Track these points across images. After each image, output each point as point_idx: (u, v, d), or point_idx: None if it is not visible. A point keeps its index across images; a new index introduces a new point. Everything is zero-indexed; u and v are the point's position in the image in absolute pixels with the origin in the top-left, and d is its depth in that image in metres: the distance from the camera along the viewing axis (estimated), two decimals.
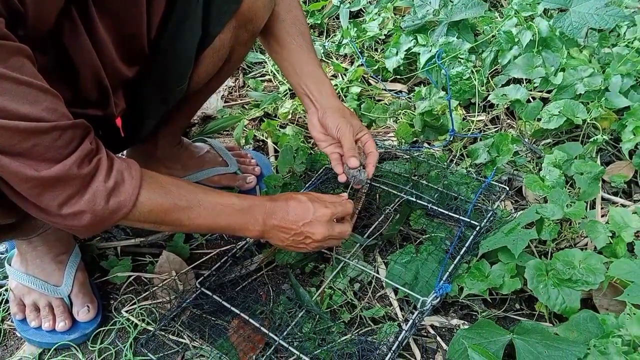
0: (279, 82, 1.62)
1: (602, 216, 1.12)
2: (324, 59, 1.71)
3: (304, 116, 1.47)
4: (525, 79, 1.33)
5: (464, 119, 1.37)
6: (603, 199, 1.16)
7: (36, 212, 0.65)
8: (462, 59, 1.38)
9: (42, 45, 0.67)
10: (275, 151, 1.37)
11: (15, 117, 0.57)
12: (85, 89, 0.81)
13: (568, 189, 1.13)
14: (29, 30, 0.64)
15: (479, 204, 1.11)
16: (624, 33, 1.46)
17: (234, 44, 0.95)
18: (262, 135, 1.42)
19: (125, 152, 1.20)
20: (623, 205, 1.14)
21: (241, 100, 1.57)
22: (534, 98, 1.31)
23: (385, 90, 1.55)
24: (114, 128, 0.94)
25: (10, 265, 1.01)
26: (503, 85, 1.35)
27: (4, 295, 1.03)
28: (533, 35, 1.28)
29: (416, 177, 1.20)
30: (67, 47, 0.73)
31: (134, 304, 1.00)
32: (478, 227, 1.04)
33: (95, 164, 0.66)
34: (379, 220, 1.12)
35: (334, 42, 1.75)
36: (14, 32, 0.60)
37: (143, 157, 1.20)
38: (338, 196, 0.95)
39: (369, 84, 1.59)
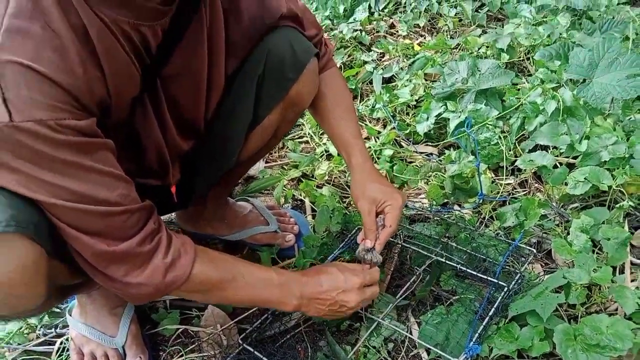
0: (315, 144, 1.73)
1: (632, 281, 1.14)
2: (358, 122, 1.81)
3: (340, 177, 1.57)
4: (552, 146, 1.39)
5: (492, 182, 1.43)
6: (633, 263, 1.19)
7: (102, 279, 0.75)
8: (490, 125, 1.45)
9: (116, 126, 0.79)
10: (312, 210, 1.46)
11: (95, 202, 0.68)
12: (149, 162, 0.92)
13: (597, 253, 1.17)
14: (112, 118, 0.76)
15: (507, 266, 1.16)
16: None
17: (280, 123, 1.07)
18: (300, 195, 1.51)
19: (175, 213, 1.31)
20: None
21: (281, 161, 1.68)
22: (560, 164, 1.37)
23: (416, 152, 1.63)
24: (169, 194, 1.05)
25: (70, 315, 1.11)
26: (530, 151, 1.42)
27: (65, 343, 1.13)
28: (558, 104, 1.36)
29: (447, 238, 1.25)
30: (137, 128, 0.85)
31: (182, 356, 1.07)
32: (506, 289, 1.08)
33: (157, 242, 0.76)
34: (411, 280, 1.17)
35: (368, 106, 1.86)
36: (102, 122, 0.72)
37: (192, 217, 1.31)
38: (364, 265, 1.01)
39: (401, 146, 1.68)
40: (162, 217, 0.85)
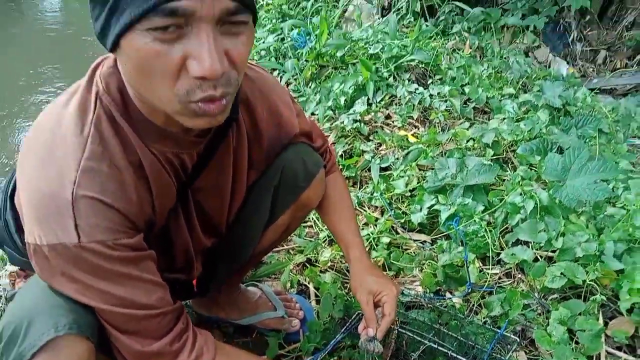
0: (319, 229, 1.88)
1: None
2: (358, 208, 1.97)
3: (341, 263, 1.70)
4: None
5: (480, 271, 1.57)
6: (608, 353, 1.30)
7: None
8: (477, 218, 1.61)
9: (151, 228, 0.94)
10: (316, 295, 1.59)
11: (135, 306, 0.81)
12: (177, 260, 1.06)
13: (576, 342, 1.29)
14: (154, 230, 0.91)
15: (495, 353, 1.27)
16: (620, 194, 1.69)
17: (291, 221, 1.22)
18: (305, 280, 1.64)
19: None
20: None
21: (287, 245, 1.82)
22: (541, 257, 1.51)
23: (411, 240, 1.78)
24: (190, 285, 1.19)
25: None
26: (513, 244, 1.57)
27: None
28: (535, 203, 1.52)
29: (439, 325, 1.37)
30: (169, 230, 1.00)
31: None
32: None
33: (184, 341, 0.88)
34: None
35: (367, 193, 2.03)
36: (146, 234, 0.87)
37: (206, 302, 1.43)
38: None
39: (397, 233, 1.83)
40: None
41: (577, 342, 1.29)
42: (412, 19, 3.54)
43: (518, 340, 1.31)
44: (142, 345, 0.84)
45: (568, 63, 3.50)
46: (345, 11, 3.90)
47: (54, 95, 4.01)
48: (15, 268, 1.71)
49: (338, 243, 1.27)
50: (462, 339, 1.31)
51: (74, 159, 0.76)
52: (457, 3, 3.53)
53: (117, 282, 0.80)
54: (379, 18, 3.59)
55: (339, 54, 2.89)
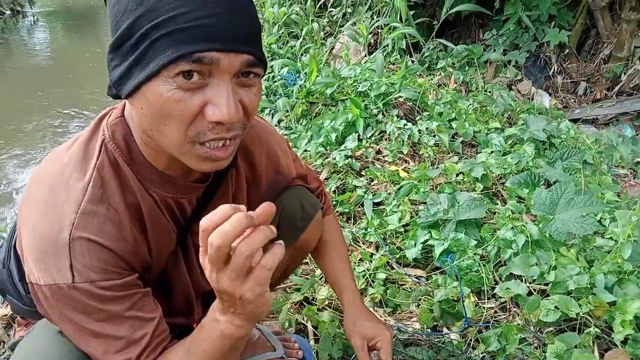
0: (315, 266, 1.89)
1: None
2: (352, 244, 2.00)
3: (338, 299, 1.71)
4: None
5: (476, 305, 1.59)
6: None
7: None
8: (470, 253, 1.65)
9: (148, 271, 0.95)
10: (315, 334, 1.59)
11: (133, 341, 0.81)
12: (177, 304, 1.07)
13: None
14: (151, 273, 0.93)
15: None
16: (608, 225, 1.74)
17: (289, 263, 1.24)
18: (303, 319, 1.65)
19: None
20: None
21: (283, 284, 1.83)
22: (534, 290, 1.54)
23: (406, 275, 1.80)
24: (191, 329, 1.19)
25: None
26: (507, 277, 1.60)
27: None
28: (526, 237, 1.56)
29: None
30: (169, 274, 1.01)
31: None
32: None
33: None
34: None
35: (361, 229, 2.06)
36: (142, 275, 0.88)
37: None
38: None
39: (393, 268, 1.85)
40: None
41: None
42: (399, 56, 3.65)
43: None
44: None
45: (550, 95, 3.61)
46: (332, 48, 4.02)
47: (43, 124, 4.06)
48: (8, 312, 1.70)
49: (331, 286, 1.27)
50: None
51: (74, 203, 0.78)
52: (441, 40, 3.65)
53: (112, 322, 0.80)
54: (366, 55, 3.70)
55: (328, 92, 2.96)
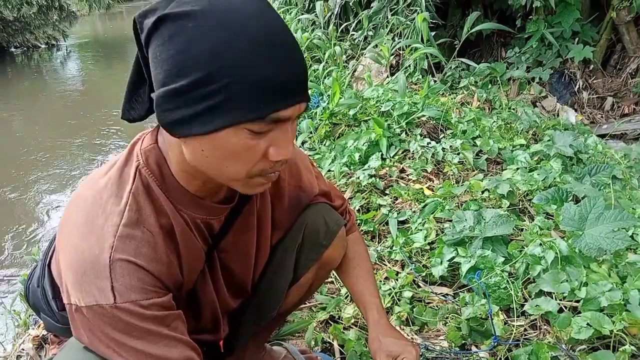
0: (340, 285, 1.89)
1: None
2: (377, 262, 1.99)
3: (364, 318, 1.70)
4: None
5: (505, 323, 1.56)
6: None
7: None
8: (498, 270, 1.62)
9: (179, 290, 0.97)
10: (341, 353, 1.58)
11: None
12: (204, 320, 1.09)
13: None
14: (182, 291, 0.95)
15: None
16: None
17: (314, 280, 1.25)
18: (329, 338, 1.64)
19: None
20: None
21: (309, 303, 1.83)
22: (565, 307, 1.51)
23: (433, 293, 1.78)
24: (217, 346, 1.20)
25: None
26: (536, 294, 1.57)
27: None
28: (556, 254, 1.54)
29: None
30: (197, 291, 1.03)
31: None
32: None
33: None
34: None
35: (386, 247, 2.05)
36: (175, 295, 0.90)
37: None
38: None
39: (419, 286, 1.83)
40: None
41: None
42: (420, 76, 3.68)
43: None
44: None
45: (576, 110, 3.57)
46: (355, 71, 4.07)
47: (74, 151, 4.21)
48: (40, 332, 1.75)
49: (356, 304, 1.26)
50: None
51: (112, 226, 0.82)
52: (463, 60, 3.67)
53: (150, 341, 0.82)
54: (388, 76, 3.73)
55: (351, 113, 3.00)
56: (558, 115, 3.44)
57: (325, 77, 3.87)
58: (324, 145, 2.95)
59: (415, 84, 3.62)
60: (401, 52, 3.96)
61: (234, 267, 1.08)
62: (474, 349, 1.52)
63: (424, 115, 2.80)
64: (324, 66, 3.98)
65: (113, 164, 0.90)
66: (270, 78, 0.70)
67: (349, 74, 3.83)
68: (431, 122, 2.84)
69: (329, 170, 2.65)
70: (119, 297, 0.79)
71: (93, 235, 0.81)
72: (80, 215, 0.84)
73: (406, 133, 2.75)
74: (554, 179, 2.23)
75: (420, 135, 2.71)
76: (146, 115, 0.86)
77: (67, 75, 7.14)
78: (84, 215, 0.84)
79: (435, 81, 3.59)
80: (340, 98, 3.07)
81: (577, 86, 3.75)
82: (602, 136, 3.29)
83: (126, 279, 0.80)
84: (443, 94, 3.45)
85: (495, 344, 1.47)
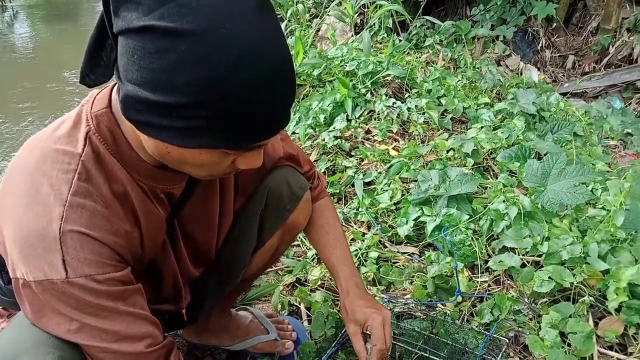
0: (306, 248, 1.87)
1: None
2: (344, 224, 1.98)
3: (331, 279, 1.69)
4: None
5: (470, 280, 1.57)
6: (600, 353, 1.32)
7: None
8: (462, 227, 1.63)
9: (139, 260, 0.92)
10: (308, 315, 1.57)
11: (126, 339, 0.79)
12: (165, 290, 1.05)
13: (568, 344, 1.30)
14: (143, 263, 0.90)
15: (487, 356, 1.27)
16: (600, 195, 1.73)
17: (279, 244, 1.22)
18: (296, 301, 1.63)
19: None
20: (618, 359, 1.29)
21: (275, 266, 1.80)
22: (527, 262, 1.53)
23: (399, 252, 1.78)
24: (179, 314, 1.16)
25: None
26: (500, 250, 1.58)
27: None
28: (519, 209, 1.55)
29: (431, 333, 1.37)
30: (157, 261, 0.98)
31: None
32: None
33: None
34: None
35: (352, 209, 2.03)
36: (133, 267, 0.85)
37: (196, 330, 1.41)
38: None
39: (385, 247, 1.83)
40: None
41: (569, 345, 1.30)
42: (385, 35, 3.60)
43: (508, 341, 1.31)
44: None
45: (539, 69, 3.59)
46: (318, 30, 3.96)
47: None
48: None
49: (329, 271, 1.25)
50: (453, 344, 1.31)
51: (60, 195, 0.75)
52: (428, 18, 3.61)
53: (105, 317, 0.78)
54: (352, 35, 3.65)
55: (315, 73, 2.92)
56: (521, 74, 3.45)
57: (287, 37, 3.75)
58: None
59: (380, 43, 3.55)
60: (366, 10, 3.86)
61: (197, 235, 1.03)
62: (440, 305, 1.53)
63: (389, 75, 2.75)
64: (286, 25, 3.85)
65: (57, 126, 0.82)
66: (264, 117, 0.67)
67: (312, 33, 3.72)
68: (396, 81, 2.80)
69: (294, 133, 2.59)
70: (72, 271, 0.73)
71: (38, 204, 0.75)
72: (23, 183, 0.77)
73: (371, 93, 2.70)
74: (517, 136, 2.24)
75: (386, 95, 2.66)
76: (108, 80, 0.78)
77: (16, 38, 6.72)
78: (27, 183, 0.77)
79: (400, 40, 3.53)
80: (304, 58, 2.98)
81: (540, 44, 3.77)
82: (563, 94, 3.33)
83: (79, 251, 0.74)
84: (408, 53, 3.40)
85: (459, 294, 1.48)
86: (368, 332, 1.11)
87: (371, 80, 2.70)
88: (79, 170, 0.76)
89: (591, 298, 1.36)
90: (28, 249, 0.74)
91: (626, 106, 3.14)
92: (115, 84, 0.79)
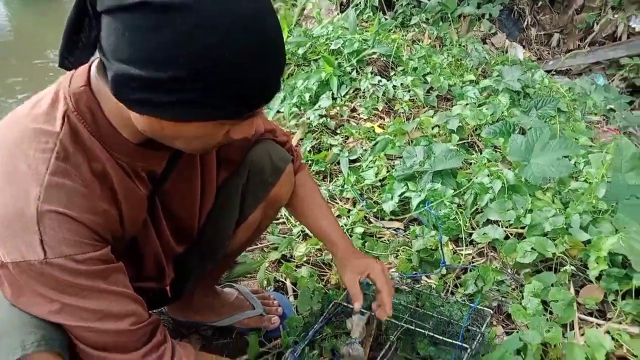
0: (292, 225, 1.87)
1: (582, 335, 1.29)
2: (329, 201, 1.97)
3: (316, 255, 1.70)
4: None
5: (454, 253, 1.59)
6: (580, 319, 1.34)
7: None
8: (447, 202, 1.64)
9: (120, 239, 0.91)
10: (294, 291, 1.58)
11: (107, 319, 0.78)
12: (147, 269, 1.03)
13: (550, 312, 1.32)
14: (124, 241, 0.89)
15: (472, 327, 1.29)
16: (582, 169, 1.75)
17: (262, 219, 1.21)
18: (282, 277, 1.63)
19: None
20: (598, 325, 1.32)
21: (260, 244, 1.80)
22: (511, 234, 1.55)
23: (384, 228, 1.79)
24: (163, 291, 1.16)
25: None
26: (484, 224, 1.60)
27: None
28: (503, 183, 1.55)
29: (417, 306, 1.38)
30: (138, 240, 0.97)
31: None
32: (469, 350, 1.20)
33: (162, 352, 0.85)
34: (385, 348, 1.28)
35: (337, 186, 2.03)
36: (113, 246, 0.84)
37: (181, 307, 1.40)
38: None
39: (370, 222, 1.83)
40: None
41: (550, 313, 1.32)
42: (371, 13, 3.57)
43: (492, 312, 1.33)
44: (115, 358, 0.80)
45: (524, 47, 3.59)
46: (304, 9, 3.91)
47: None
48: None
49: (321, 241, 1.26)
50: (439, 317, 1.32)
51: (38, 174, 0.73)
52: None
53: (86, 297, 0.76)
54: (338, 14, 3.61)
55: (300, 52, 2.89)
56: (507, 52, 3.45)
57: None
58: None
59: (366, 22, 3.52)
60: None
61: (179, 212, 1.02)
62: (424, 278, 1.54)
63: (374, 53, 2.73)
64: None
65: (35, 103, 0.80)
66: (257, 84, 0.68)
67: (297, 12, 3.68)
68: (382, 59, 2.78)
69: (279, 112, 2.57)
70: (50, 251, 0.72)
71: (14, 183, 0.73)
72: (0, 162, 0.75)
73: (357, 71, 2.68)
74: (502, 113, 2.25)
75: (371, 73, 2.65)
76: (87, 61, 0.76)
77: None
78: (3, 162, 0.74)
79: (386, 19, 3.50)
80: (289, 37, 2.95)
81: (526, 22, 3.76)
82: (548, 72, 3.34)
83: (57, 232, 0.73)
84: (394, 31, 3.37)
85: (443, 266, 1.49)
86: (370, 280, 1.17)
87: (357, 59, 2.68)
88: (57, 150, 0.75)
89: (572, 267, 1.38)
90: (4, 229, 0.72)
91: (609, 83, 3.15)
92: (93, 61, 0.78)
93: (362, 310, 1.25)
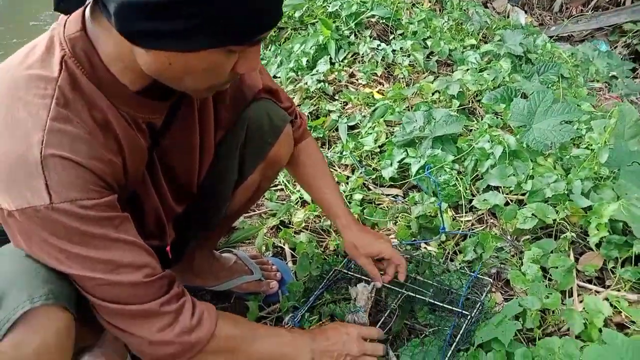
0: (290, 192, 1.85)
1: (580, 302, 1.29)
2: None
3: (315, 222, 1.69)
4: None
5: (453, 219, 1.58)
6: (579, 286, 1.35)
7: (130, 340, 0.81)
8: (447, 168, 1.62)
9: (123, 190, 0.89)
10: (293, 256, 1.57)
11: (121, 269, 0.76)
12: (148, 226, 1.02)
13: (549, 279, 1.32)
14: (126, 192, 0.87)
15: (471, 296, 1.29)
16: (584, 135, 1.72)
17: (261, 180, 1.19)
18: (280, 242, 1.62)
19: None
20: (597, 292, 1.32)
21: (259, 210, 1.79)
22: (511, 200, 1.53)
23: (383, 194, 1.77)
24: (164, 253, 1.14)
25: None
26: (484, 190, 1.58)
27: None
28: (504, 148, 1.53)
29: (416, 274, 1.38)
30: (138, 195, 0.95)
31: None
32: (469, 317, 1.21)
33: (182, 304, 0.83)
34: (385, 315, 1.29)
35: (336, 153, 2.00)
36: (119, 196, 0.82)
37: (181, 271, 1.38)
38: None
39: (369, 189, 1.82)
40: None
41: (550, 279, 1.32)
42: None
43: (492, 281, 1.33)
44: (133, 307, 0.78)
45: (526, 12, 3.51)
46: None
47: None
48: None
49: (323, 211, 1.27)
50: (439, 285, 1.32)
51: (39, 120, 0.71)
52: None
53: (95, 245, 0.74)
54: None
55: (297, 15, 2.81)
56: (508, 17, 3.37)
57: None
58: (269, 50, 2.78)
59: None
60: None
61: (177, 169, 1.00)
62: (423, 245, 1.53)
63: (373, 16, 2.65)
64: None
65: (28, 52, 0.77)
66: (258, 5, 0.68)
67: None
68: (381, 23, 2.71)
69: (275, 77, 2.52)
70: (56, 196, 0.70)
71: (15, 129, 0.71)
72: None
73: (355, 35, 2.62)
74: (504, 78, 2.20)
75: (370, 37, 2.58)
76: (83, 5, 0.74)
77: None
78: (2, 109, 0.72)
79: None
80: None
81: None
82: (550, 37, 3.28)
83: (63, 175, 0.70)
84: None
85: (443, 232, 1.48)
86: (384, 259, 1.24)
87: (355, 22, 2.61)
88: (57, 96, 0.72)
89: (573, 234, 1.37)
90: (8, 177, 0.70)
91: (612, 49, 3.10)
92: (87, 5, 0.75)
93: (366, 279, 1.27)
